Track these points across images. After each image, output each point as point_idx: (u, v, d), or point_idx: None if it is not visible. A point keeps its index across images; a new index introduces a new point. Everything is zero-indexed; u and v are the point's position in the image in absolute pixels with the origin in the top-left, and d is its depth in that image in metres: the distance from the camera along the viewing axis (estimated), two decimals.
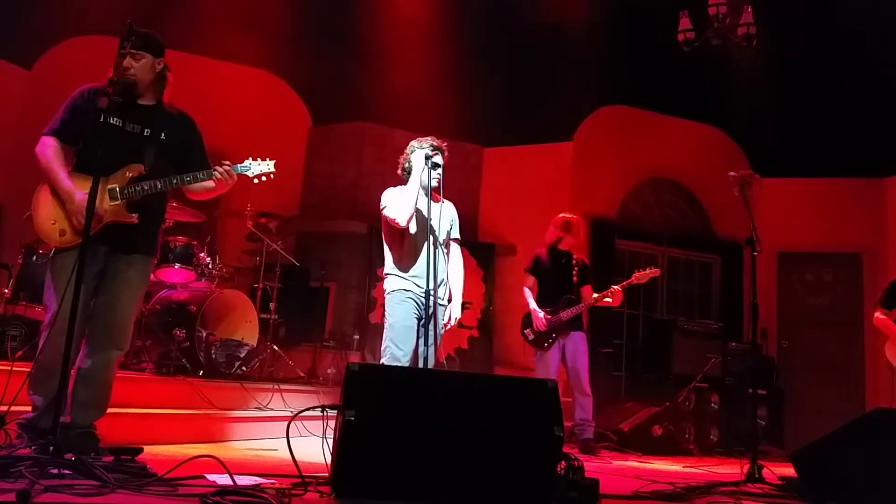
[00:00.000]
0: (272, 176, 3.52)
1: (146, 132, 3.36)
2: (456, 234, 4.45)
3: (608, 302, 5.85)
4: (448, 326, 4.30)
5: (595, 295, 5.87)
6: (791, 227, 8.48)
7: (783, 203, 8.21)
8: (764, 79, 7.27)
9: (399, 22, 7.59)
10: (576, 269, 5.98)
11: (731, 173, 4.86)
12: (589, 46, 7.32)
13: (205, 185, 3.46)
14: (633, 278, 5.86)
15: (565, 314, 5.81)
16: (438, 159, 4.19)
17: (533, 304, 5.87)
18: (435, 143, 4.24)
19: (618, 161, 8.51)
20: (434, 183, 4.14)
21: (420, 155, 4.16)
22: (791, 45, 7.22)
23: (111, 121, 3.27)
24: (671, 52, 6.03)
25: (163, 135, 3.40)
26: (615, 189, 8.54)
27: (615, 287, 5.86)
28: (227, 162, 3.45)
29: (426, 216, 4.09)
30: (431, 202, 4.11)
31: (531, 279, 6.00)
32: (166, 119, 3.44)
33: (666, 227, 8.79)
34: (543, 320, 5.77)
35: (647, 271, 5.85)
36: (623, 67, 7.62)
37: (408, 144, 4.36)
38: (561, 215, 6.17)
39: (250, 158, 3.52)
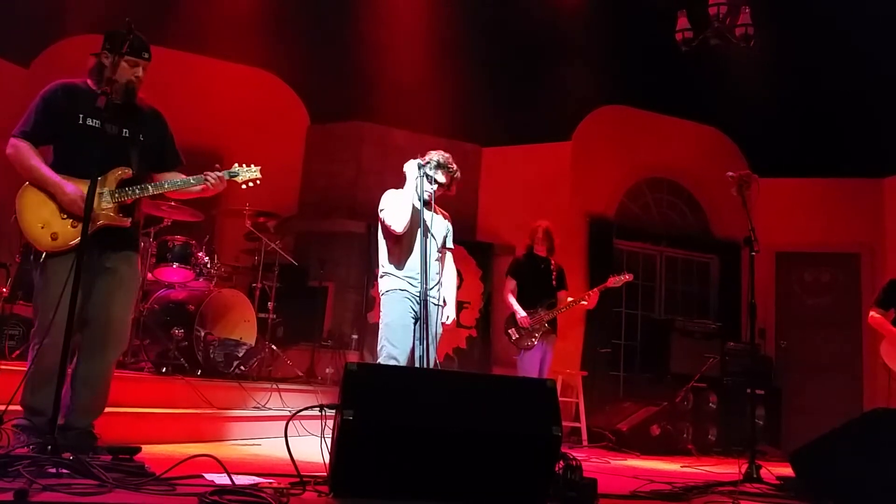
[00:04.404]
0: (258, 182, 3.55)
1: (125, 133, 3.30)
2: (450, 243, 4.53)
3: (584, 304, 6.18)
4: (447, 321, 4.36)
5: (570, 298, 6.14)
6: (789, 227, 8.49)
7: (781, 203, 8.21)
8: (762, 79, 7.25)
9: (398, 21, 7.58)
10: (554, 273, 6.18)
11: (730, 173, 4.87)
12: (587, 46, 7.32)
13: (192, 189, 3.44)
14: (608, 282, 6.18)
15: (546, 315, 6.02)
16: (439, 176, 4.27)
17: (515, 305, 6.07)
18: (441, 160, 4.28)
19: (616, 161, 8.51)
20: (425, 196, 4.20)
21: (414, 165, 4.19)
22: (789, 45, 7.22)
23: (89, 122, 3.22)
24: (670, 51, 6.04)
25: (141, 136, 3.37)
26: (614, 189, 8.54)
27: (591, 290, 6.20)
28: (218, 166, 3.47)
29: (422, 218, 4.12)
30: (426, 207, 4.19)
31: (513, 282, 6.20)
32: (142, 118, 3.40)
33: (664, 227, 8.80)
34: (527, 317, 5.96)
35: (622, 277, 6.18)
36: (622, 67, 7.63)
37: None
38: (535, 223, 6.31)
39: (236, 164, 3.55)
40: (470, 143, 8.35)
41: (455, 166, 4.36)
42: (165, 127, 3.52)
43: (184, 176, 3.45)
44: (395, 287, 4.23)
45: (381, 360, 4.13)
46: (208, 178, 3.41)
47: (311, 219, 8.14)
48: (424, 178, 4.22)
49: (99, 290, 3.24)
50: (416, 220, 4.20)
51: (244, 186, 3.57)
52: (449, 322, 4.38)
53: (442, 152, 4.35)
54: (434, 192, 4.31)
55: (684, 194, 8.94)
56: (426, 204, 4.22)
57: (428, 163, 4.26)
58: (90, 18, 6.75)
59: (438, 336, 4.31)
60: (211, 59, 7.84)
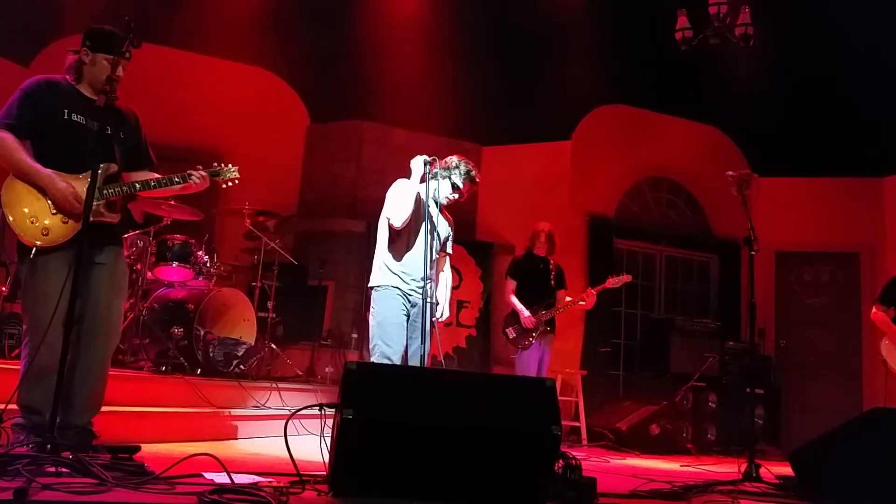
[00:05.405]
0: (237, 181, 3.57)
1: (107, 129, 3.27)
2: (450, 248, 4.53)
3: (582, 305, 6.18)
4: (441, 318, 4.34)
5: (569, 298, 6.14)
6: (789, 226, 8.48)
7: (781, 202, 8.21)
8: (762, 78, 7.26)
9: (398, 20, 7.59)
10: (553, 272, 6.19)
11: (730, 172, 4.87)
12: (587, 45, 7.32)
13: (173, 188, 3.43)
14: (607, 283, 6.19)
15: (545, 315, 6.03)
16: (464, 186, 4.34)
17: (520, 305, 6.06)
18: (472, 172, 4.36)
19: (616, 160, 8.51)
20: (444, 200, 4.32)
21: (420, 161, 4.17)
22: (789, 45, 7.22)
23: (74, 118, 3.21)
24: (669, 51, 6.04)
25: (121, 133, 3.35)
26: (613, 188, 8.54)
27: (591, 289, 6.18)
28: (200, 166, 3.48)
29: (427, 214, 4.12)
30: (433, 206, 4.21)
31: (513, 283, 6.21)
32: (121, 117, 3.39)
33: (664, 226, 8.80)
34: (531, 318, 5.95)
35: (621, 277, 6.20)
36: (621, 67, 7.62)
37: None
38: (537, 226, 6.32)
39: (214, 164, 3.56)
40: (470, 143, 8.34)
41: (478, 177, 4.43)
42: (139, 126, 3.50)
43: (158, 176, 3.43)
44: (386, 283, 4.18)
45: (374, 359, 4.09)
46: (193, 176, 3.41)
47: (310, 218, 8.14)
48: (448, 182, 4.29)
49: (92, 286, 3.21)
50: (420, 217, 4.18)
51: (224, 185, 3.58)
52: (443, 319, 4.36)
53: (467, 161, 4.38)
54: (453, 199, 4.36)
55: (684, 194, 8.94)
56: (437, 206, 4.28)
57: (456, 168, 4.31)
58: (89, 17, 6.74)
59: (430, 334, 4.25)
60: (211, 58, 7.85)
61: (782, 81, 7.67)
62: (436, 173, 4.21)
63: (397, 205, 4.15)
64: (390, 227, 4.22)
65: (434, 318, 4.27)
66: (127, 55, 3.23)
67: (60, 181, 3.12)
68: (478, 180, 4.42)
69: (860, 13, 6.93)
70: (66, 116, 3.19)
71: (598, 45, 7.30)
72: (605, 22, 7.33)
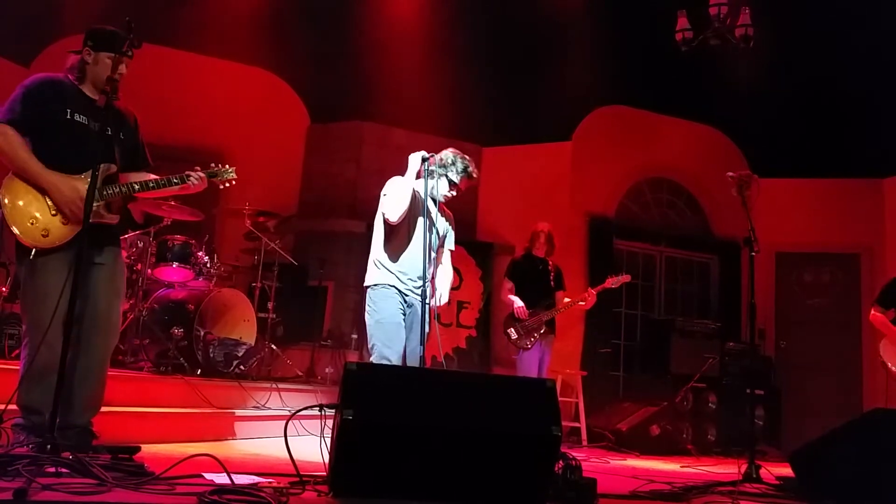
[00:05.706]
0: (234, 182, 3.59)
1: (108, 130, 3.26)
2: (451, 244, 4.44)
3: (582, 305, 6.22)
4: (439, 303, 4.25)
5: (567, 299, 6.17)
6: (789, 227, 8.48)
7: (781, 203, 8.21)
8: (762, 79, 7.26)
9: (398, 21, 7.59)
10: (552, 273, 6.21)
11: (730, 173, 4.87)
12: (588, 46, 7.33)
13: (171, 189, 3.43)
14: (606, 283, 6.20)
15: (545, 316, 6.05)
16: (461, 182, 4.27)
17: (512, 296, 6.09)
18: (470, 168, 4.28)
19: (616, 161, 8.51)
20: (441, 197, 4.26)
21: (418, 157, 4.11)
22: (789, 45, 7.23)
23: (77, 118, 3.20)
24: (670, 52, 6.04)
25: (121, 134, 3.35)
26: (614, 189, 8.54)
27: (591, 289, 6.20)
28: (198, 167, 3.48)
29: (425, 212, 4.09)
30: (431, 203, 4.17)
31: (510, 284, 6.23)
32: (121, 117, 3.39)
33: (664, 227, 8.80)
34: (524, 307, 5.98)
35: (620, 277, 6.22)
36: (622, 67, 7.62)
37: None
38: (537, 226, 6.33)
39: (213, 164, 3.56)
40: (470, 143, 8.32)
41: (476, 173, 4.34)
42: (137, 126, 3.49)
43: (156, 177, 3.43)
44: (383, 282, 4.12)
45: (373, 360, 4.04)
46: (191, 177, 3.42)
47: (310, 218, 8.14)
48: (445, 179, 4.23)
49: (91, 286, 3.20)
50: (417, 214, 4.13)
51: (222, 186, 3.60)
52: (440, 304, 4.25)
53: (463, 156, 4.30)
54: (451, 196, 4.30)
55: (684, 194, 8.93)
56: (435, 203, 4.24)
57: (453, 164, 4.23)
58: (89, 17, 6.74)
59: (428, 334, 4.13)
60: (211, 59, 7.85)
61: (782, 82, 7.67)
62: (432, 171, 4.15)
63: (392, 199, 4.08)
64: (387, 224, 4.15)
65: (430, 303, 4.13)
66: (129, 54, 3.23)
67: (65, 187, 3.12)
68: (475, 176, 4.32)
69: (860, 13, 6.93)
70: (68, 116, 3.19)
71: (598, 45, 7.30)
72: (605, 22, 7.32)
